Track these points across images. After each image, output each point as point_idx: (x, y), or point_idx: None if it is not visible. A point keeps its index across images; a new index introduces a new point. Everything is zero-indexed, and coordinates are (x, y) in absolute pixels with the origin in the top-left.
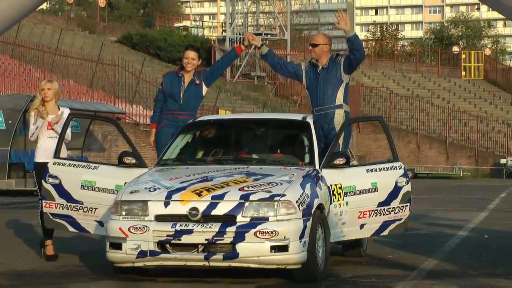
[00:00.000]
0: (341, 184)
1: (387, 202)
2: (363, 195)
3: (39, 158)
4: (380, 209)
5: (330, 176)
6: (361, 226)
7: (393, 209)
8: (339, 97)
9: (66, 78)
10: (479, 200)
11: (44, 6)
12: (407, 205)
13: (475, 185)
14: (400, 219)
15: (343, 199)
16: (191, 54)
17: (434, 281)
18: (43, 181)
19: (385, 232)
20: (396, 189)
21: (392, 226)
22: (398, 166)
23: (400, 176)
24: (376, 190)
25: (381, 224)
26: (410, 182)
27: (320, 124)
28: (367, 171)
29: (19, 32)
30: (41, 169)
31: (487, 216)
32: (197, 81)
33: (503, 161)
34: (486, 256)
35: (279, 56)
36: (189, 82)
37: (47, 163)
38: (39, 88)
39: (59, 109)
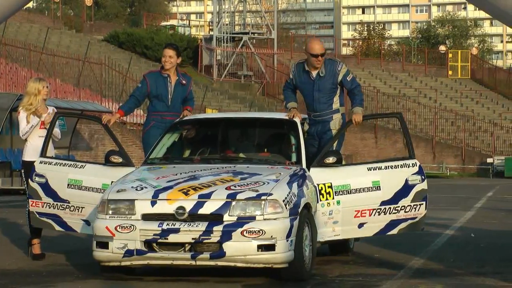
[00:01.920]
0: (331, 183)
1: (393, 200)
2: (361, 193)
3: (29, 156)
4: (385, 208)
5: (319, 175)
6: (360, 225)
7: (402, 208)
8: (336, 102)
9: (52, 77)
10: (465, 199)
11: (30, 4)
12: (422, 204)
13: (461, 184)
14: (413, 218)
15: (332, 198)
16: (169, 52)
17: (420, 280)
18: (29, 180)
19: (394, 231)
20: (407, 187)
21: (402, 225)
22: (412, 164)
23: (412, 174)
24: (378, 188)
25: (387, 223)
26: (425, 180)
27: (315, 126)
28: (368, 169)
29: (5, 31)
30: (30, 168)
31: (473, 215)
32: (184, 81)
33: (489, 160)
34: (473, 255)
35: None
36: (175, 82)
37: None
38: (34, 88)
39: (47, 108)
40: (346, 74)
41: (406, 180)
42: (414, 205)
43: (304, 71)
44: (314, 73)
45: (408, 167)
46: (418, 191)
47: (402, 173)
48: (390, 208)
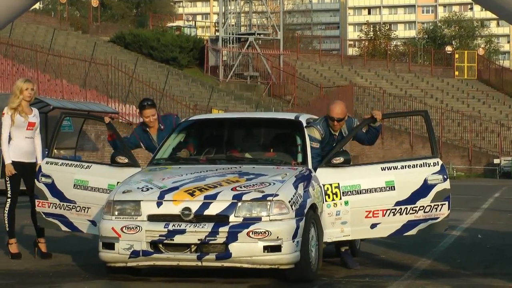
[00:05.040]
0: (338, 184)
1: (410, 200)
2: (372, 194)
3: (15, 157)
4: (400, 208)
5: (326, 175)
6: (373, 226)
7: (421, 208)
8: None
9: (59, 77)
10: (472, 200)
11: (37, 6)
12: (444, 204)
13: (468, 185)
14: (435, 218)
15: (340, 199)
16: (150, 112)
17: (427, 281)
18: (36, 180)
19: (412, 232)
20: (426, 187)
21: (422, 226)
22: (434, 163)
23: (433, 174)
24: (392, 188)
25: (404, 223)
26: (448, 180)
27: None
28: (382, 169)
29: (12, 32)
30: (16, 168)
31: (480, 216)
32: (162, 127)
33: (496, 161)
34: (480, 256)
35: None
36: (157, 133)
37: (22, 162)
38: (19, 88)
39: (31, 109)
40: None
41: (425, 180)
42: (434, 205)
43: (327, 125)
44: (337, 133)
45: (429, 166)
46: (439, 191)
47: (421, 172)
48: (406, 208)
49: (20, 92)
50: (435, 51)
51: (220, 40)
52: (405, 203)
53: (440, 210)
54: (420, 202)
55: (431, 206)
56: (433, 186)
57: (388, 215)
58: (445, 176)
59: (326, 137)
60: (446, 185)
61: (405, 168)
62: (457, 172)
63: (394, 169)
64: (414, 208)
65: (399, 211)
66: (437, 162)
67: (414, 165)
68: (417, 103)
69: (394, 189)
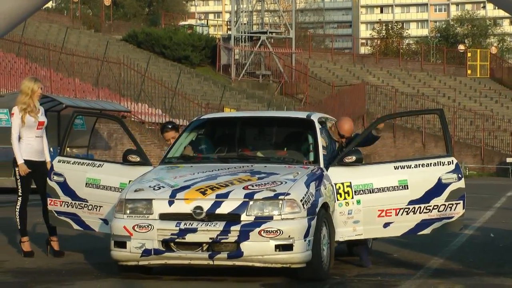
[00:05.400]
0: (350, 182)
1: (424, 199)
2: (385, 193)
3: (27, 156)
4: (413, 207)
5: (338, 174)
6: (385, 225)
7: (435, 207)
8: None
9: (71, 76)
10: (485, 199)
11: (49, 4)
12: (459, 203)
13: (481, 184)
14: (449, 217)
15: (352, 197)
16: (170, 135)
17: (439, 280)
18: (48, 179)
19: (426, 231)
20: (440, 186)
21: (436, 225)
22: (448, 162)
23: (447, 173)
24: (406, 187)
25: (418, 222)
26: (462, 179)
27: None
28: (395, 167)
29: (25, 31)
30: (28, 167)
31: (493, 215)
32: None
33: (509, 159)
34: (492, 255)
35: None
36: None
37: (33, 161)
38: (28, 88)
39: (38, 109)
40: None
41: (439, 179)
42: (449, 204)
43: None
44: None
45: (443, 165)
46: (453, 190)
47: (435, 171)
48: (420, 207)
49: (32, 92)
50: (448, 50)
51: (232, 38)
52: (419, 202)
53: (454, 209)
54: (434, 201)
55: (445, 205)
56: (447, 185)
57: (401, 214)
58: (459, 175)
59: (328, 146)
60: (461, 184)
61: (419, 167)
62: (469, 171)
63: (407, 168)
64: (428, 207)
65: (413, 210)
66: (452, 160)
67: (428, 164)
68: (430, 102)
69: (407, 188)
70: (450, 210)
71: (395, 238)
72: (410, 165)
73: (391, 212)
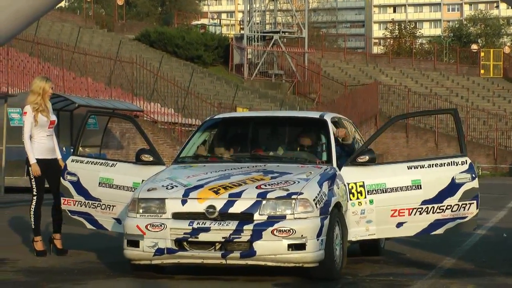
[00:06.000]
0: (363, 182)
1: (437, 199)
2: (398, 192)
3: (40, 155)
4: (427, 207)
5: (351, 174)
6: (399, 225)
7: (448, 207)
8: None
9: (84, 75)
10: (497, 198)
11: (62, 4)
12: (473, 203)
13: (493, 183)
14: (463, 217)
15: (364, 197)
16: None
17: (452, 280)
18: (61, 178)
19: (440, 231)
20: (453, 186)
21: (450, 225)
22: (462, 162)
23: (460, 172)
24: (419, 187)
25: (431, 222)
26: (476, 179)
27: None
28: (409, 167)
29: (38, 30)
30: (40, 166)
31: (505, 214)
32: None
33: None
34: (505, 255)
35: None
36: None
37: (46, 159)
38: (39, 87)
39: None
40: None
41: (453, 179)
42: (462, 204)
43: None
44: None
45: (457, 165)
46: (467, 190)
47: (448, 171)
48: (433, 207)
49: (43, 91)
50: (461, 50)
51: (245, 38)
52: (432, 202)
53: (468, 209)
54: (448, 201)
55: (459, 205)
56: (461, 185)
57: (415, 214)
58: (473, 175)
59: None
60: (475, 184)
61: (432, 166)
62: (482, 171)
63: (420, 167)
64: (441, 207)
65: (426, 210)
66: (466, 160)
67: (441, 163)
68: (443, 102)
69: (421, 188)
70: (464, 210)
71: (407, 238)
72: (424, 165)
73: (404, 212)
